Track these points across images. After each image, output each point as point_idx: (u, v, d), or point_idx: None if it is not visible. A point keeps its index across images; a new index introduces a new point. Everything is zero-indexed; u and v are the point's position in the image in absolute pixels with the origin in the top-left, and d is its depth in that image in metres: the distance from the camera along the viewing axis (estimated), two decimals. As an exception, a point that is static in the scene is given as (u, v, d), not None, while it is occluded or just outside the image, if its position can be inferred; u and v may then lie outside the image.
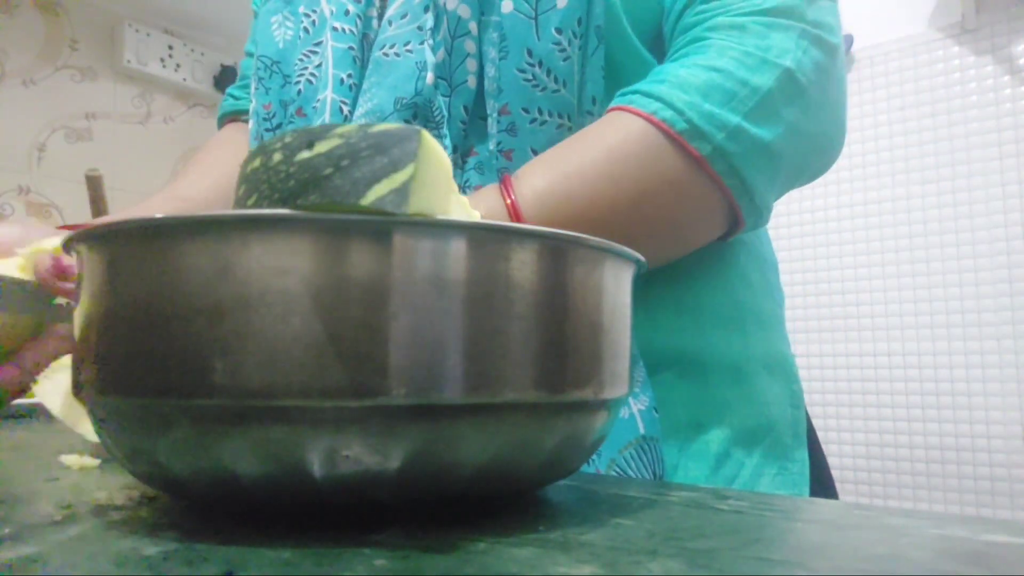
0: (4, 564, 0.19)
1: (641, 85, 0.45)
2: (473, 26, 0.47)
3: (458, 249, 0.22)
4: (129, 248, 0.23)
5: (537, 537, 0.22)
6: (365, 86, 0.50)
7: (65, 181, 2.27)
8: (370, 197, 0.22)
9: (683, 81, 0.43)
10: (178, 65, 2.43)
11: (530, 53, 0.46)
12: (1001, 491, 1.60)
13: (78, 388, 0.25)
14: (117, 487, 0.31)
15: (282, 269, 0.21)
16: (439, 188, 0.24)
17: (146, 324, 0.22)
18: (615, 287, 0.27)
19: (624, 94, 0.45)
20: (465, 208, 0.28)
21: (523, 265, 0.23)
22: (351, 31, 0.52)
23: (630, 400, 0.44)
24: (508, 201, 0.42)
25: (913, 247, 1.73)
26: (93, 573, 0.19)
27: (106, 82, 2.35)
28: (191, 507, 0.27)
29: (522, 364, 0.23)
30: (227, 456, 0.22)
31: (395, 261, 0.21)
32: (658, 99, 0.43)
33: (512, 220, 0.41)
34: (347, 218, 0.21)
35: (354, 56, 0.51)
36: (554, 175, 0.42)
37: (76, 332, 0.25)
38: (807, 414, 0.55)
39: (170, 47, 2.41)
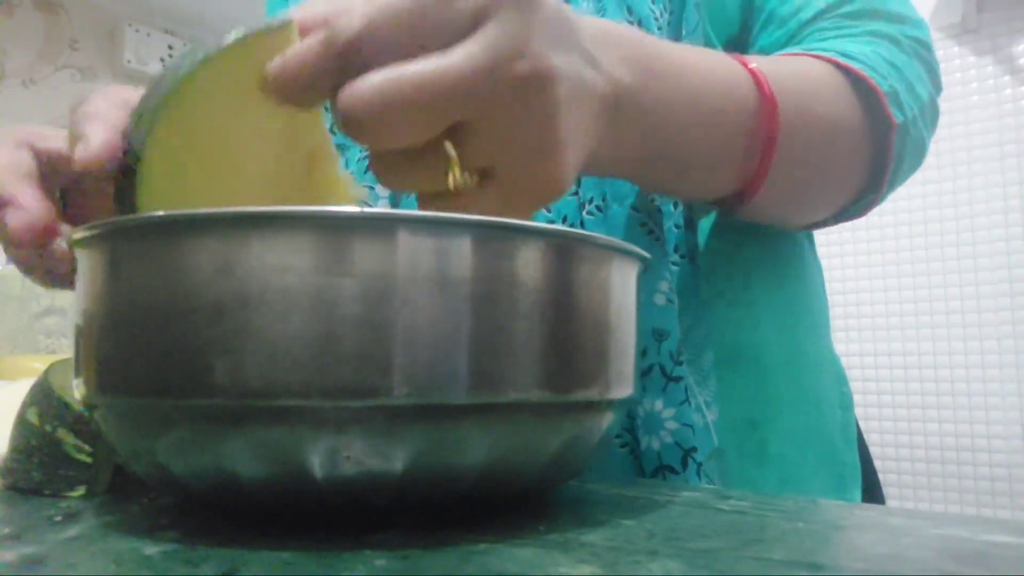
0: (4, 564, 0.19)
1: (825, 44, 0.44)
2: None
3: (462, 247, 0.22)
4: (129, 246, 0.23)
5: (538, 537, 0.22)
6: None
7: (65, 181, 2.25)
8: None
9: (870, 55, 0.42)
10: (178, 65, 2.43)
11: (630, 11, 0.44)
12: (1001, 491, 1.59)
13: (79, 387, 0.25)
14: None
15: (283, 267, 0.21)
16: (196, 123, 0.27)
17: (146, 323, 0.22)
18: (621, 285, 0.26)
19: (810, 49, 0.44)
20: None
21: (528, 263, 0.23)
22: None
23: (704, 410, 0.43)
24: (752, 65, 0.39)
25: (913, 247, 1.72)
26: (93, 573, 0.19)
27: (106, 82, 2.34)
28: (191, 507, 0.27)
29: (527, 363, 0.23)
30: (227, 456, 0.21)
31: (398, 259, 0.21)
32: (855, 59, 0.42)
33: (759, 86, 0.39)
34: (349, 215, 0.21)
35: None
36: (779, 71, 0.40)
37: (76, 331, 0.25)
38: (856, 418, 0.54)
39: (170, 47, 2.41)
